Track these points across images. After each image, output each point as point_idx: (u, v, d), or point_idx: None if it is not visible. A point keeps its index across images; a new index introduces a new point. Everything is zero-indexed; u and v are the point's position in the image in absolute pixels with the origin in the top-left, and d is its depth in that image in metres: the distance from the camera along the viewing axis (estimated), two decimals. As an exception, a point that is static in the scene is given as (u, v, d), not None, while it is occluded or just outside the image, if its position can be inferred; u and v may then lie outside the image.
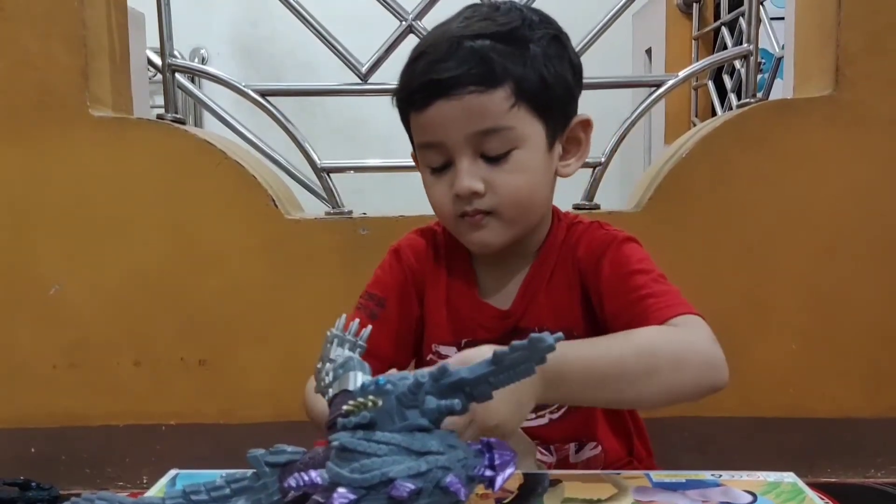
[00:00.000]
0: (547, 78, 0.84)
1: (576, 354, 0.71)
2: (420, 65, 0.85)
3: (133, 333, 1.51)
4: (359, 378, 0.58)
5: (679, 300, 0.82)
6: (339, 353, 0.63)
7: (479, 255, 0.93)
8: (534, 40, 0.84)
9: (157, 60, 1.64)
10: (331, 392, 0.59)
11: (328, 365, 0.62)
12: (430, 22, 1.57)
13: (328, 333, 0.66)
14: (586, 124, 0.90)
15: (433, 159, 0.86)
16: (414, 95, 0.84)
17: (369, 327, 0.67)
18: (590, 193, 1.55)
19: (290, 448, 0.55)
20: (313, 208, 1.68)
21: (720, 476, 0.76)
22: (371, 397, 0.50)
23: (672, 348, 0.75)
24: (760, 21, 1.71)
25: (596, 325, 0.89)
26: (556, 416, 0.91)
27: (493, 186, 0.83)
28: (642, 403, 0.86)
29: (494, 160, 0.83)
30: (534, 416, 0.91)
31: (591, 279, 0.89)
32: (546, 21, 0.88)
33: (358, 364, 0.60)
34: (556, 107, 0.86)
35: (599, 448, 0.94)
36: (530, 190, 0.86)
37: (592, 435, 0.94)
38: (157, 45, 1.60)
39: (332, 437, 0.50)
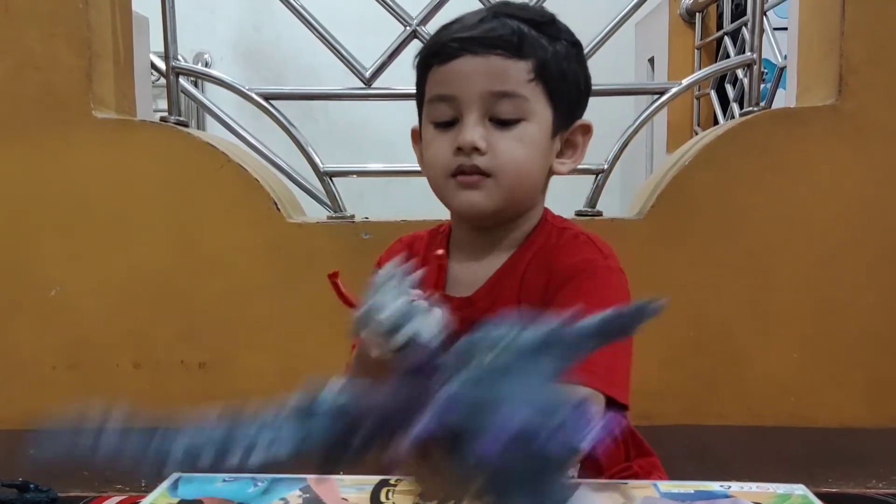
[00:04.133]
0: (565, 72, 0.88)
1: None
2: (454, 27, 0.88)
3: (133, 335, 1.50)
4: (432, 326, 0.56)
5: (611, 376, 0.78)
6: (394, 296, 0.59)
7: (458, 239, 0.93)
8: (560, 38, 0.89)
9: (161, 64, 1.65)
10: (396, 339, 0.56)
11: (386, 311, 0.57)
12: (434, 27, 1.58)
13: (379, 275, 0.61)
14: (586, 129, 0.93)
15: (442, 113, 0.87)
16: (443, 48, 0.86)
17: (422, 270, 0.64)
18: (592, 200, 1.55)
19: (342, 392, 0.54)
20: (315, 212, 1.68)
21: (729, 487, 0.75)
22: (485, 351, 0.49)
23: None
24: (763, 31, 1.71)
25: None
26: None
27: (495, 149, 0.84)
28: None
29: (503, 124, 0.84)
30: None
31: (548, 294, 0.87)
32: (571, 32, 0.92)
33: (425, 310, 0.57)
34: (566, 102, 0.89)
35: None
36: (528, 163, 0.87)
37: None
38: (161, 48, 1.60)
39: (441, 387, 0.49)
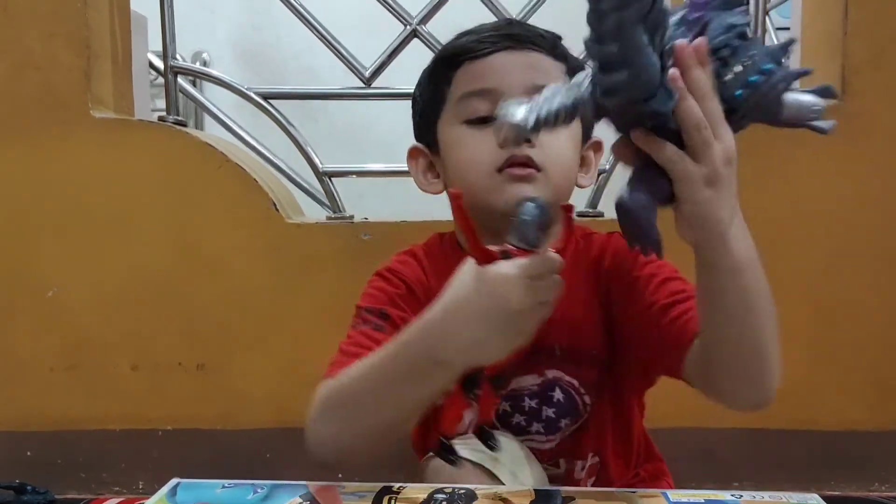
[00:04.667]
0: None
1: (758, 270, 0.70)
2: (487, 30, 0.87)
3: (131, 337, 1.50)
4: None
5: None
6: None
7: None
8: (572, 57, 0.90)
9: (159, 63, 1.64)
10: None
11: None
12: (434, 26, 1.58)
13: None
14: (598, 146, 0.93)
15: (479, 108, 0.84)
16: (479, 44, 0.85)
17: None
18: (593, 201, 1.54)
19: None
20: (314, 213, 1.67)
21: (741, 497, 0.74)
22: None
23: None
24: (766, 31, 1.70)
25: (621, 350, 0.88)
26: (566, 437, 0.90)
27: (543, 144, 0.82)
28: (765, 358, 0.80)
29: None
30: (545, 438, 0.89)
31: (622, 279, 0.86)
32: None
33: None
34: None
35: (598, 459, 0.93)
36: (572, 162, 0.86)
37: (596, 452, 0.93)
38: (159, 47, 1.59)
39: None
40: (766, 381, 0.74)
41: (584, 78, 0.59)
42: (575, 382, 0.88)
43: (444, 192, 0.90)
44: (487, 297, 0.64)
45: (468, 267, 0.67)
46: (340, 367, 0.80)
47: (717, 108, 0.61)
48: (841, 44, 1.44)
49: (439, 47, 1.49)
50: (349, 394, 0.76)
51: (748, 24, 0.61)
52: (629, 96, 0.54)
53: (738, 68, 0.60)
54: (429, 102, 0.91)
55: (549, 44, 0.86)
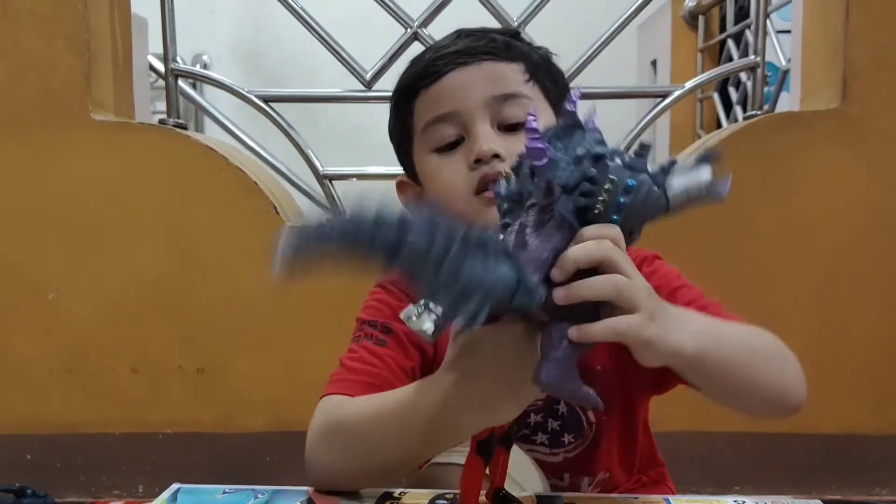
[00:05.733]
0: (554, 73, 0.86)
1: (718, 334, 0.70)
2: (428, 53, 0.85)
3: (131, 340, 1.49)
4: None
5: (735, 314, 0.80)
6: None
7: None
8: (533, 45, 0.87)
9: (159, 65, 1.63)
10: None
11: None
12: (435, 29, 1.57)
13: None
14: None
15: (445, 133, 0.81)
16: (427, 70, 0.82)
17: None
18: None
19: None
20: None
21: (742, 501, 0.73)
22: None
23: (778, 346, 0.75)
24: (767, 33, 1.70)
25: (625, 363, 0.87)
26: (571, 454, 0.89)
27: (513, 155, 0.81)
28: (766, 389, 0.77)
29: (512, 129, 0.80)
30: (548, 451, 0.89)
31: None
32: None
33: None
34: (560, 96, 0.85)
35: (609, 475, 0.92)
36: None
37: (607, 469, 0.92)
38: (159, 48, 1.59)
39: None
40: (783, 399, 0.75)
41: None
42: None
43: None
44: (498, 357, 0.62)
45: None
46: (343, 384, 0.79)
47: (620, 256, 0.59)
48: (842, 48, 1.44)
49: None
50: (356, 432, 0.74)
51: (598, 141, 0.59)
52: (492, 310, 0.53)
53: (604, 196, 0.58)
54: (399, 137, 0.89)
55: (503, 46, 0.82)
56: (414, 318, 0.56)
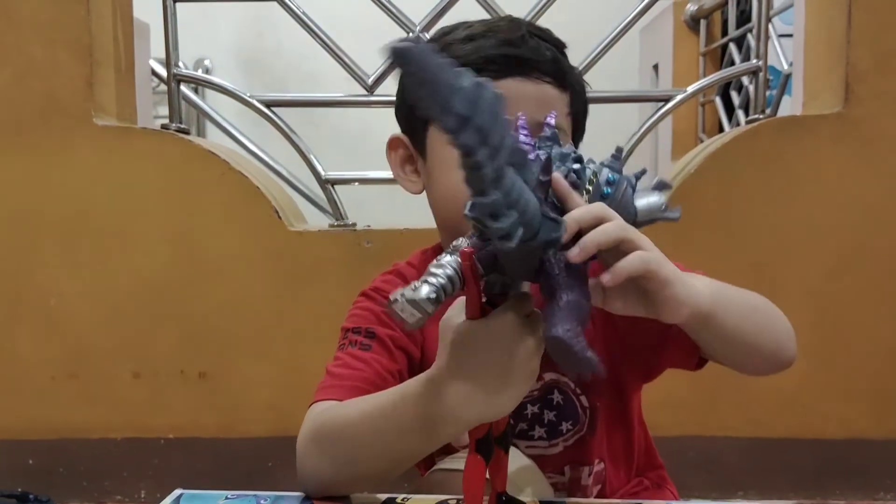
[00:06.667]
0: (586, 107, 0.87)
1: (723, 290, 0.74)
2: (492, 40, 0.82)
3: (133, 345, 1.49)
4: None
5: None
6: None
7: None
8: (576, 68, 0.88)
9: (162, 70, 1.64)
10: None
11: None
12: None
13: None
14: None
15: None
16: (488, 65, 0.80)
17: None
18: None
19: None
20: (316, 220, 1.66)
21: None
22: None
23: (769, 304, 0.80)
24: (769, 37, 1.70)
25: (612, 348, 0.87)
26: (569, 442, 0.89)
27: None
28: (768, 343, 0.80)
29: None
30: (546, 443, 0.89)
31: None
32: None
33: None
34: (579, 135, 0.87)
35: (603, 465, 0.92)
36: None
37: (601, 458, 0.92)
38: (161, 54, 1.59)
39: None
40: (778, 353, 0.80)
41: (462, 241, 0.61)
42: (571, 384, 0.88)
43: (423, 194, 0.89)
44: (493, 346, 0.63)
45: (461, 322, 0.65)
46: (329, 390, 0.79)
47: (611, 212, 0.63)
48: (844, 51, 1.44)
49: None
50: (344, 437, 0.74)
51: (576, 150, 0.65)
52: (524, 235, 0.54)
53: (589, 187, 0.63)
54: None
55: (556, 70, 0.82)
56: (408, 292, 0.56)
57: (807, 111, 1.56)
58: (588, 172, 0.64)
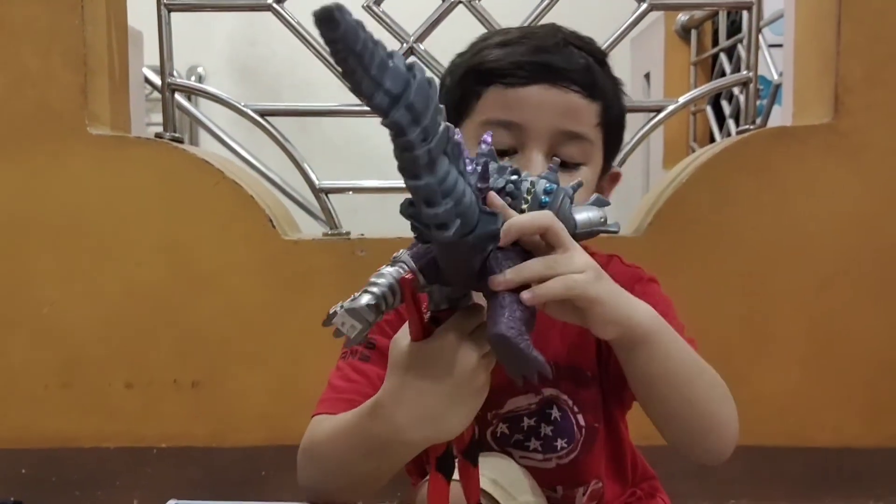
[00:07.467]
0: (621, 119, 0.86)
1: (670, 330, 0.71)
2: (525, 46, 0.82)
3: (126, 354, 1.49)
4: None
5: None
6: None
7: None
8: (615, 79, 0.87)
9: (155, 78, 1.64)
10: None
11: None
12: (430, 44, 1.58)
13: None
14: (616, 177, 0.91)
15: (500, 139, 0.78)
16: (517, 70, 0.80)
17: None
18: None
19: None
20: (310, 228, 1.67)
21: None
22: None
23: (724, 385, 0.77)
24: (759, 48, 1.71)
25: (608, 367, 0.87)
26: (563, 460, 0.89)
27: None
28: (711, 415, 0.79)
29: (563, 166, 0.79)
30: (541, 457, 0.89)
31: None
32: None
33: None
34: (614, 148, 0.87)
35: (601, 484, 0.92)
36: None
37: (598, 478, 0.92)
38: (155, 61, 1.59)
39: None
40: (715, 433, 0.78)
41: (403, 252, 0.62)
42: (570, 401, 0.88)
43: None
44: (435, 366, 0.63)
45: (406, 344, 0.65)
46: (326, 403, 0.81)
47: (553, 221, 0.64)
48: (834, 62, 1.45)
49: (436, 65, 1.51)
50: (319, 454, 0.76)
51: (512, 165, 0.67)
52: (461, 227, 0.54)
53: (528, 197, 0.64)
54: (451, 104, 0.85)
55: (587, 79, 0.81)
56: (347, 303, 0.56)
57: (797, 122, 1.57)
58: (526, 184, 0.65)
